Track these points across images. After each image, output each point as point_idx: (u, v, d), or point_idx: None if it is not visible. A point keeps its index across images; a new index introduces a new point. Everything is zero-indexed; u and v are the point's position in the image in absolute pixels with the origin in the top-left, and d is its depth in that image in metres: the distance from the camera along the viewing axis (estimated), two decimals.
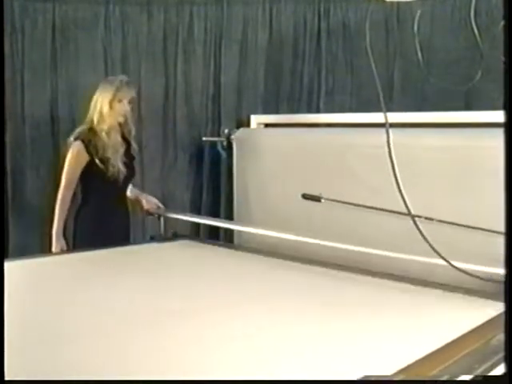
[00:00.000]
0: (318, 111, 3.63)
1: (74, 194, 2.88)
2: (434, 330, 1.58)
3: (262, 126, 3.55)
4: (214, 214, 3.68)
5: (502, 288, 0.96)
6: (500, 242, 0.97)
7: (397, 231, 2.22)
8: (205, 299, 1.90)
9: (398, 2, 3.29)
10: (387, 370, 1.24)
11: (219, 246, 3.05)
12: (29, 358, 1.36)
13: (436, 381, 1.24)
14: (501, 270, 0.98)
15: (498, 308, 1.53)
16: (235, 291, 2.02)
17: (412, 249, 1.97)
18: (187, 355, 1.42)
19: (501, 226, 0.96)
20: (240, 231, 3.21)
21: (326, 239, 2.37)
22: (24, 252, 3.12)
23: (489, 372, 1.27)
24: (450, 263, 1.66)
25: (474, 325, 1.58)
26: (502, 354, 1.18)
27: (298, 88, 3.71)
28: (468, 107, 3.09)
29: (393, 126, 1.53)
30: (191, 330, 1.61)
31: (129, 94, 2.87)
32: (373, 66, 1.54)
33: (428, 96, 3.25)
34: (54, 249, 2.82)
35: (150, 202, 3.11)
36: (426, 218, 2.10)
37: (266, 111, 3.68)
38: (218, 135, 3.60)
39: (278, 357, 1.41)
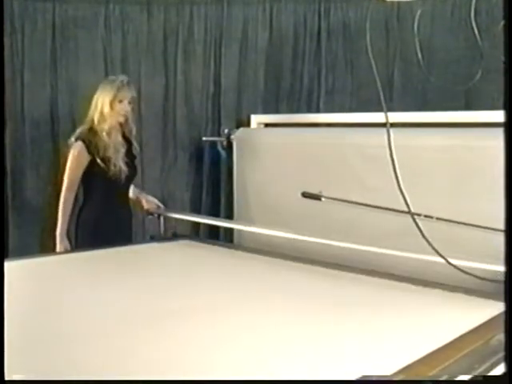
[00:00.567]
0: (317, 111, 3.63)
1: (76, 194, 2.88)
2: (433, 329, 1.58)
3: (262, 126, 3.56)
4: (214, 214, 3.68)
5: (501, 288, 0.96)
6: (499, 240, 0.97)
7: (396, 230, 2.23)
8: (205, 299, 1.90)
9: (398, 2, 3.30)
10: (387, 370, 1.25)
11: (219, 245, 3.04)
12: (29, 358, 1.36)
13: (436, 381, 1.24)
14: (500, 268, 0.98)
15: (497, 308, 1.53)
16: (235, 291, 2.02)
17: (411, 247, 1.97)
18: (187, 355, 1.42)
19: (500, 225, 0.96)
20: (240, 231, 3.21)
21: (326, 239, 2.37)
22: (24, 252, 3.11)
23: (488, 372, 1.27)
24: (449, 262, 1.66)
25: (474, 325, 1.58)
26: (501, 354, 1.18)
27: (298, 88, 3.71)
28: (468, 107, 3.09)
29: (393, 125, 1.53)
30: (191, 329, 1.61)
31: (129, 94, 2.87)
32: (373, 65, 1.54)
33: (428, 96, 3.26)
34: (58, 249, 2.82)
35: (150, 201, 3.11)
36: (426, 216, 2.10)
37: (265, 111, 3.69)
38: (218, 135, 3.60)
39: (278, 357, 1.41)
